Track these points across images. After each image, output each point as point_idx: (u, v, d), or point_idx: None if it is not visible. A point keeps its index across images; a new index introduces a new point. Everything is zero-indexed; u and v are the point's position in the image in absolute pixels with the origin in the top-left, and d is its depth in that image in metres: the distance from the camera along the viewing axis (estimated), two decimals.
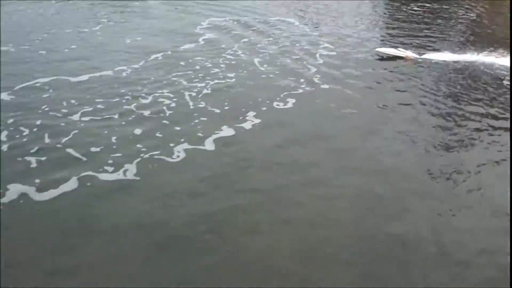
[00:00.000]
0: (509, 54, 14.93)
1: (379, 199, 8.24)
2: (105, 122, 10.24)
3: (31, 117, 10.25)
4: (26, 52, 13.84)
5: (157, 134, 9.87)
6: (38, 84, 11.82)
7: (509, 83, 13.18)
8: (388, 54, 15.36)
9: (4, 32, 15.35)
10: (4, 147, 9.14)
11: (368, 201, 8.19)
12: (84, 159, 8.91)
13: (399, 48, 15.57)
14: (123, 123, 10.26)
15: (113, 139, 9.58)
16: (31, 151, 9.04)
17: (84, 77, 12.34)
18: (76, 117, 10.35)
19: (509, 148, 10.00)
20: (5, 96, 11.16)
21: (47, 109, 10.65)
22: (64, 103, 10.91)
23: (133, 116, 10.55)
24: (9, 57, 13.46)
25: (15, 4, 18.66)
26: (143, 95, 11.56)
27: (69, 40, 14.91)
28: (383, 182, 8.71)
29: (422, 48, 16.02)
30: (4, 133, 9.61)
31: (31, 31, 15.56)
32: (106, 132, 9.84)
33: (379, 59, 14.97)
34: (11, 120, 10.08)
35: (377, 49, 15.68)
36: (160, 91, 11.79)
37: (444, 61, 14.95)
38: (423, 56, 15.27)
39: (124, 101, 11.21)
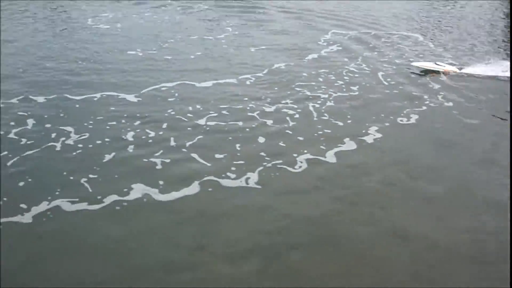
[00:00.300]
0: None
1: None
2: (229, 128, 10.23)
3: (157, 119, 10.45)
4: (153, 56, 14.22)
5: (280, 143, 9.72)
6: (164, 88, 12.06)
7: None
8: (425, 68, 14.22)
9: (132, 37, 16.03)
10: (131, 147, 9.36)
11: None
12: (208, 164, 8.90)
13: (437, 62, 14.38)
14: (247, 130, 10.20)
15: (237, 146, 9.54)
16: (156, 153, 9.16)
17: (208, 83, 12.42)
18: (201, 121, 10.42)
19: None
20: (132, 98, 11.48)
21: (173, 112, 10.81)
22: (190, 108, 11.04)
23: (256, 124, 10.48)
24: (137, 61, 13.90)
25: (142, 9, 19.35)
26: (267, 104, 11.42)
27: (194, 46, 15.20)
28: None
29: None
30: (131, 133, 9.83)
31: (158, 37, 16.08)
32: (230, 138, 9.82)
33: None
34: (138, 122, 10.32)
35: (413, 63, 14.50)
36: (283, 101, 11.60)
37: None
38: (465, 71, 14.21)
39: (248, 108, 11.16)
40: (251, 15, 18.60)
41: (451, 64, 14.52)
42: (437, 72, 14.01)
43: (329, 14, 19.51)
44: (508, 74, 13.69)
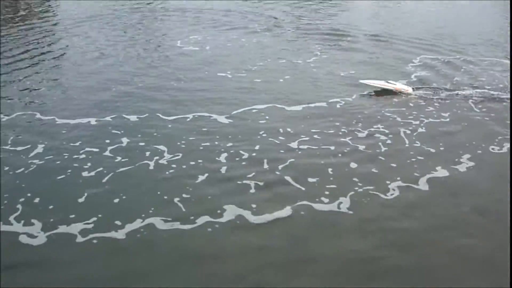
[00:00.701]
0: None
1: None
2: (321, 152, 10.06)
3: (249, 141, 10.45)
4: (242, 79, 14.35)
5: (372, 169, 9.46)
6: (254, 110, 12.08)
7: None
8: (374, 86, 13.55)
9: (221, 59, 16.21)
10: (224, 168, 9.36)
11: None
12: (300, 187, 8.78)
13: (389, 81, 13.68)
14: (339, 155, 9.99)
15: (329, 170, 9.36)
16: (249, 175, 9.11)
17: (298, 107, 12.36)
18: (293, 145, 10.30)
19: None
20: (223, 119, 11.55)
21: (264, 135, 10.76)
22: (281, 130, 10.96)
23: (348, 149, 10.26)
24: (227, 82, 14.04)
25: (230, 33, 19.66)
26: (358, 128, 11.21)
27: (283, 70, 15.20)
28: None
29: None
30: (224, 155, 9.84)
31: (247, 60, 16.20)
32: (322, 162, 9.66)
33: None
34: (230, 143, 10.32)
35: (361, 80, 13.71)
36: (375, 126, 11.34)
37: None
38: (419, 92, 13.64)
39: (340, 133, 10.97)
40: (339, 41, 18.39)
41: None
42: (390, 91, 13.46)
43: (416, 39, 19.04)
44: None
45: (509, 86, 13.98)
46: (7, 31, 21.38)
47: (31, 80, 14.49)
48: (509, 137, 11.06)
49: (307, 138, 10.58)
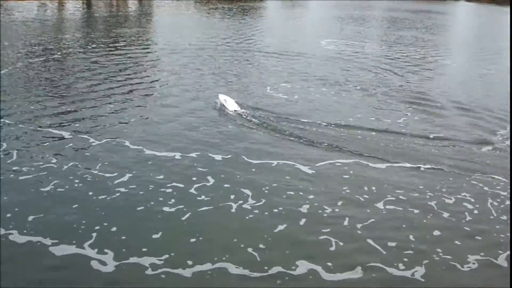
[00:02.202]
0: None
1: None
2: (405, 215, 9.80)
3: (334, 196, 10.37)
4: (328, 131, 14.34)
5: (454, 241, 9.04)
6: (338, 164, 12.00)
7: None
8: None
9: (309, 108, 16.31)
10: (303, 221, 9.30)
11: None
12: (378, 249, 8.56)
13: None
14: (424, 220, 9.67)
15: (410, 236, 9.04)
16: (328, 230, 9.01)
17: (383, 165, 12.14)
18: (378, 204, 10.13)
19: None
20: (307, 169, 11.55)
21: (348, 191, 10.66)
22: (365, 188, 10.82)
23: (431, 215, 9.91)
24: (312, 132, 14.12)
25: (319, 84, 19.77)
26: (445, 195, 10.80)
27: (370, 127, 14.94)
28: None
29: None
30: (305, 207, 9.80)
31: (336, 112, 16.28)
32: (404, 226, 9.39)
33: None
34: (312, 196, 10.28)
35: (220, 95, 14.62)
36: (462, 193, 10.88)
37: None
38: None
39: (426, 197, 10.65)
40: (426, 105, 18.04)
41: None
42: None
43: (502, 110, 18.26)
44: None
45: None
46: (102, 57, 22.64)
47: (121, 107, 15.26)
48: None
49: (392, 199, 10.37)
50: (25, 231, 8.38)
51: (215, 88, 17.98)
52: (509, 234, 9.35)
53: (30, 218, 8.79)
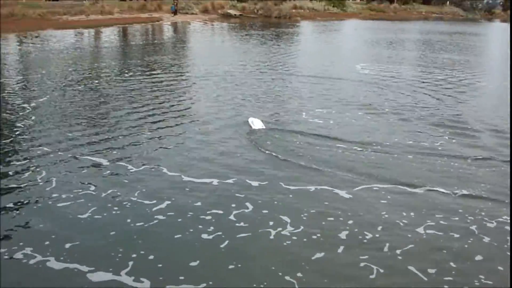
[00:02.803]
0: None
1: None
2: (444, 240, 9.63)
3: (370, 221, 10.32)
4: (359, 157, 14.22)
5: (498, 266, 8.75)
6: (375, 188, 11.92)
7: None
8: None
9: (346, 135, 16.13)
10: (341, 247, 9.23)
11: None
12: (419, 275, 8.37)
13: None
14: (465, 246, 9.47)
15: (451, 263, 8.84)
16: (366, 256, 8.90)
17: (420, 190, 11.96)
18: (418, 229, 9.99)
19: None
20: (344, 194, 11.50)
21: (386, 215, 10.57)
22: (403, 213, 10.69)
23: (472, 239, 9.68)
24: (343, 159, 13.99)
25: (355, 110, 19.68)
26: (486, 219, 10.56)
27: (407, 152, 14.79)
28: None
29: None
30: (344, 233, 9.72)
31: (369, 138, 16.08)
32: (444, 251, 9.19)
33: None
34: (351, 221, 10.20)
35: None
36: (504, 217, 10.64)
37: None
38: None
39: (467, 221, 10.44)
40: (462, 130, 17.59)
41: None
42: None
43: None
44: None
45: None
46: (138, 85, 23.04)
47: (157, 134, 15.47)
48: None
49: (432, 224, 10.21)
50: (61, 258, 8.47)
51: (250, 114, 18.08)
52: None
53: (68, 245, 8.88)
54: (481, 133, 17.06)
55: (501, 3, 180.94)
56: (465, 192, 11.93)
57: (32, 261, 8.41)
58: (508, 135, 16.78)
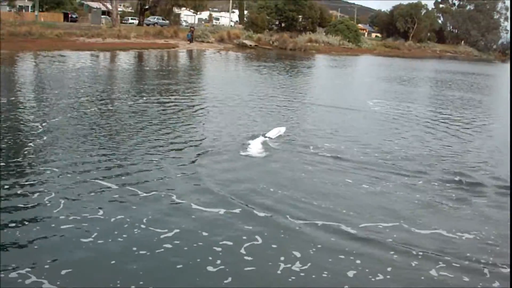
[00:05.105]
0: None
1: None
2: (453, 282, 9.44)
3: (376, 260, 10.17)
4: (361, 196, 14.01)
5: None
6: (380, 227, 11.75)
7: None
8: None
9: (354, 170, 16.01)
10: (346, 286, 9.08)
11: None
12: None
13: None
14: (478, 286, 9.28)
15: None
16: None
17: (426, 231, 11.73)
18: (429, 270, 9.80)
19: None
20: (350, 230, 11.36)
21: (392, 252, 10.39)
22: (414, 252, 10.53)
23: (483, 281, 9.46)
24: (353, 195, 13.91)
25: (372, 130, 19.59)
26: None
27: (413, 191, 14.61)
28: None
29: None
30: (352, 272, 9.57)
31: (380, 173, 15.83)
32: None
33: None
34: (358, 260, 10.02)
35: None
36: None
37: None
38: None
39: (472, 260, 10.22)
40: (469, 191, 17.21)
41: None
42: None
43: None
44: None
45: None
46: (152, 109, 23.13)
47: (168, 160, 15.44)
48: None
49: (443, 265, 10.00)
50: (58, 283, 8.36)
51: (267, 137, 18.51)
52: None
53: (64, 271, 8.72)
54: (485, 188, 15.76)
55: None
56: (469, 237, 11.76)
57: (27, 282, 8.28)
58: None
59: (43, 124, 18.91)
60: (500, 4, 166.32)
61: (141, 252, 9.62)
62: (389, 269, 9.81)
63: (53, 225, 10.48)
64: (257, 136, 18.74)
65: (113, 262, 9.21)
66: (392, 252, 10.52)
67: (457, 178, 15.83)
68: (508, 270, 9.64)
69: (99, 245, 9.77)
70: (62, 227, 10.42)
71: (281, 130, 19.43)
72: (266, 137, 18.38)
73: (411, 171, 16.30)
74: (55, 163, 14.24)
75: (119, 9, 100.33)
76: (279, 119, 22.86)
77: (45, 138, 16.92)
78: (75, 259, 9.17)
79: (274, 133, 19.05)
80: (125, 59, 51.66)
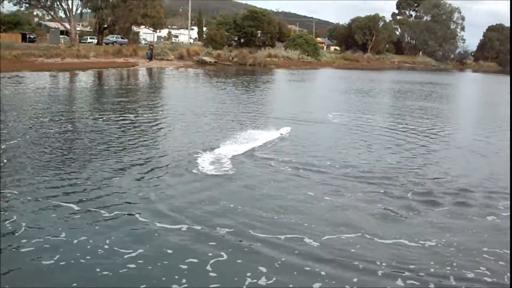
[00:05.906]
0: None
1: None
2: None
3: (343, 268, 10.34)
4: (335, 209, 14.16)
5: None
6: (343, 237, 11.93)
7: None
8: None
9: (320, 187, 16.16)
10: None
11: None
12: None
13: None
14: None
15: None
16: None
17: (388, 241, 11.89)
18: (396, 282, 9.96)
19: None
20: (313, 242, 11.48)
21: (355, 263, 10.59)
22: (378, 262, 10.70)
23: None
24: (316, 207, 13.99)
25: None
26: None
27: (374, 202, 14.86)
28: None
29: None
30: (318, 284, 9.68)
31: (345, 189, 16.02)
32: None
33: None
34: (323, 272, 10.13)
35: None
36: None
37: None
38: None
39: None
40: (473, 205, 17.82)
41: None
42: None
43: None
44: None
45: None
46: (113, 128, 22.95)
47: (132, 178, 15.37)
48: None
49: (407, 274, 10.21)
50: None
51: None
52: None
53: None
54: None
55: (472, 54, 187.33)
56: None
57: None
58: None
59: (2, 146, 18.56)
60: (456, 15, 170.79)
61: (104, 273, 9.55)
62: (354, 280, 9.97)
63: (13, 249, 10.32)
64: (217, 153, 18.87)
65: (74, 284, 9.12)
66: (356, 263, 10.66)
67: (417, 189, 16.16)
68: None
69: (61, 269, 9.63)
70: (22, 250, 10.27)
71: (288, 129, 23.75)
72: (280, 134, 22.81)
73: (372, 183, 16.54)
74: (16, 185, 14.01)
75: (78, 28, 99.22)
76: (238, 135, 22.78)
77: (4, 160, 16.62)
78: (37, 283, 9.07)
79: (284, 131, 23.39)
80: (85, 79, 51.17)
